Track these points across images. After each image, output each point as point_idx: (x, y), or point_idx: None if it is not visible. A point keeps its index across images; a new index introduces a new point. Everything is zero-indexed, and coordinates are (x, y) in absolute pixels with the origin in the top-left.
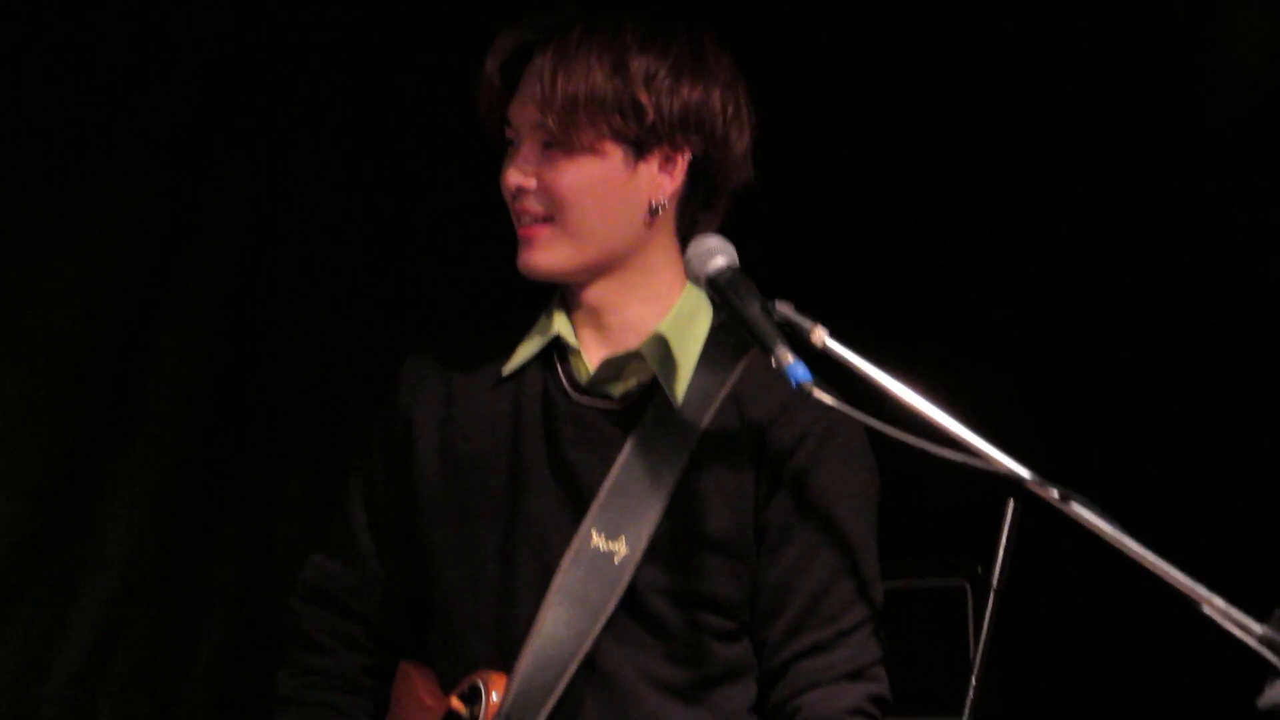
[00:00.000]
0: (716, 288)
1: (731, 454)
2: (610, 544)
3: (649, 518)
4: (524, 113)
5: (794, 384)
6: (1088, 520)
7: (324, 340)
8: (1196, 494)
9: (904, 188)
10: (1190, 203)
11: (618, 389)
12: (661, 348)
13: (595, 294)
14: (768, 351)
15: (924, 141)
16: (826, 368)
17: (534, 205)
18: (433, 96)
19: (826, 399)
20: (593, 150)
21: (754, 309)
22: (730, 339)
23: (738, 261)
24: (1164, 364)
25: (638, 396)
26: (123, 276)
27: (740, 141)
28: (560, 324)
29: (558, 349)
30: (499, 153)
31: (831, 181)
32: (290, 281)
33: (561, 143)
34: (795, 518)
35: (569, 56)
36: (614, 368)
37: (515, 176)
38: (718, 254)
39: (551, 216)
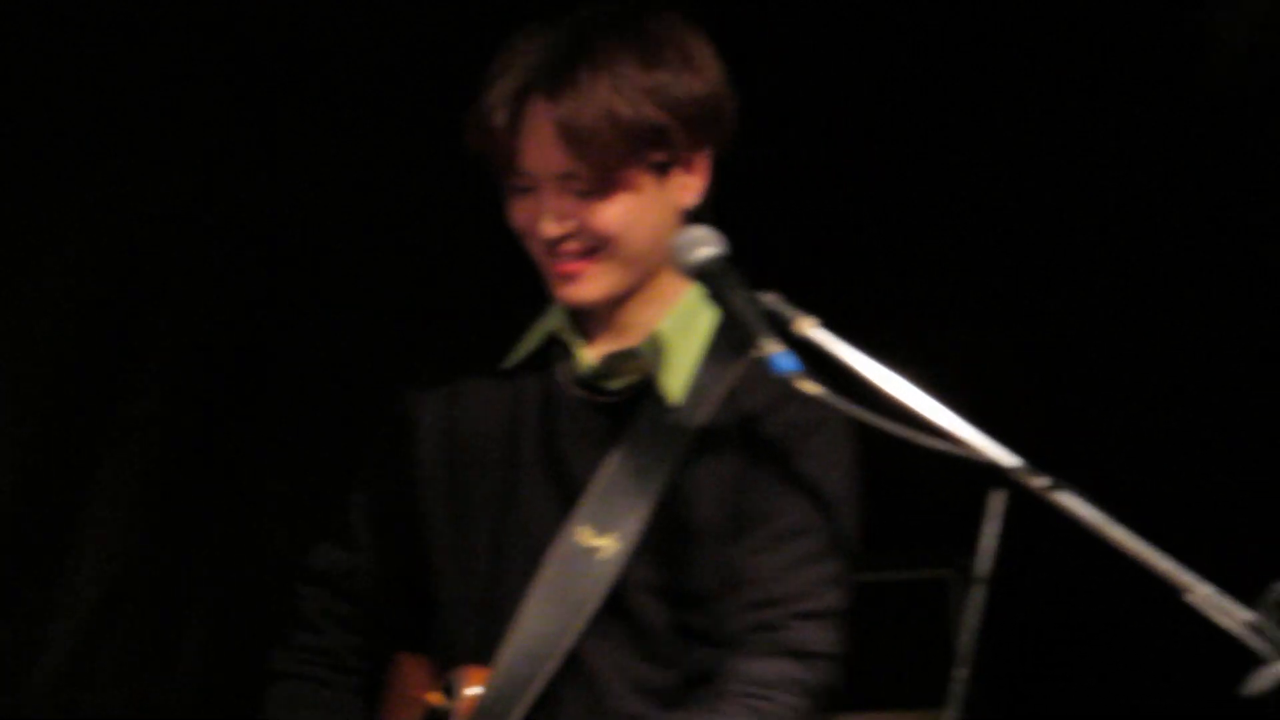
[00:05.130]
0: (702, 277)
1: (724, 451)
2: (597, 540)
3: (638, 514)
4: (544, 162)
5: (779, 373)
6: (1074, 510)
7: (309, 342)
8: (1187, 480)
9: (895, 177)
10: (1182, 191)
11: (616, 384)
12: (661, 345)
13: (617, 303)
14: (753, 342)
15: (911, 130)
16: (820, 359)
17: (574, 245)
18: (432, 97)
19: (813, 389)
20: (628, 185)
21: (739, 299)
22: (736, 335)
23: (725, 251)
24: (1152, 351)
25: (635, 392)
26: (110, 280)
27: (732, 114)
28: (561, 319)
29: (559, 343)
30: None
31: (822, 171)
32: (276, 285)
33: (597, 189)
34: (769, 505)
35: (582, 101)
36: (613, 364)
37: (551, 229)
38: (704, 243)
39: (596, 249)
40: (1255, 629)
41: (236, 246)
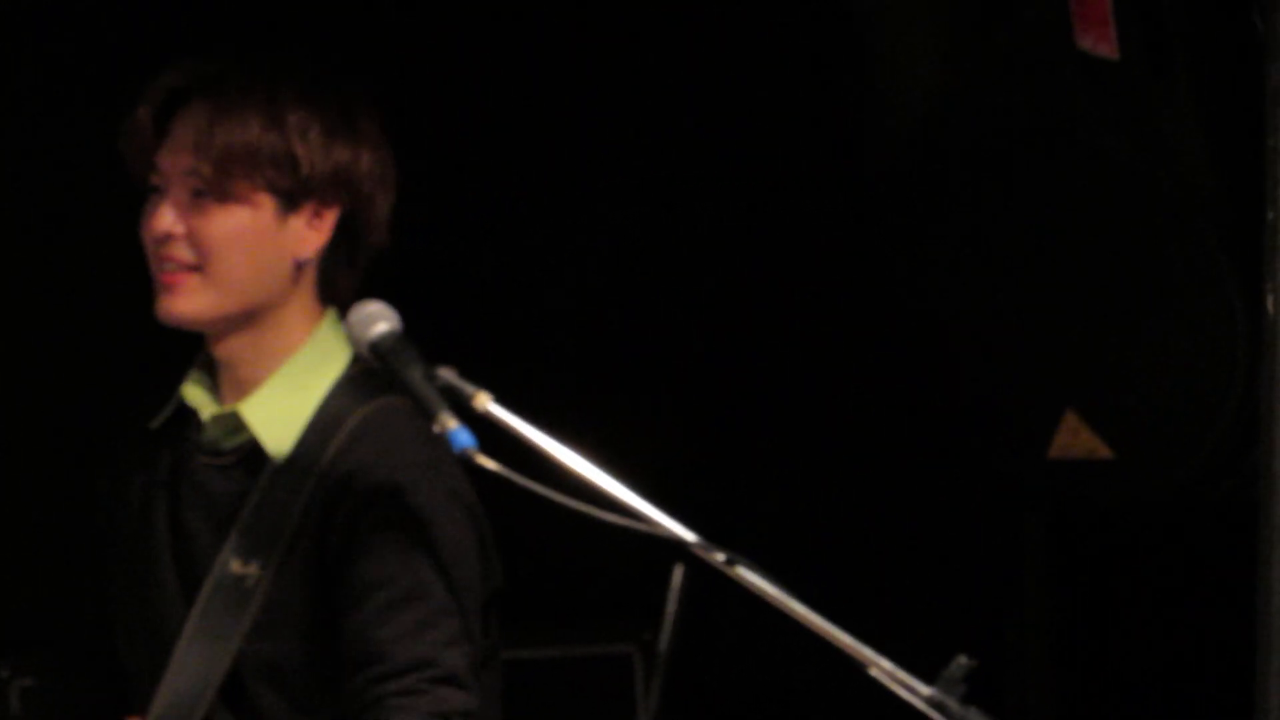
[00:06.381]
0: (378, 353)
1: (336, 509)
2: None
3: (252, 606)
4: (175, 160)
5: (456, 450)
6: (754, 584)
7: None
8: (869, 554)
9: (561, 253)
10: (847, 258)
11: (231, 443)
12: (270, 402)
13: (229, 348)
14: (431, 417)
15: (575, 202)
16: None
17: (181, 252)
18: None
19: (490, 465)
20: (245, 200)
21: (415, 375)
22: (366, 387)
23: (400, 327)
24: (831, 425)
25: (250, 452)
26: None
27: (385, 202)
28: (190, 380)
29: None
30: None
31: (487, 247)
32: None
33: (214, 191)
34: (379, 572)
35: (226, 106)
36: (223, 425)
37: (164, 222)
38: (379, 320)
39: (199, 265)
40: (935, 705)
41: None
